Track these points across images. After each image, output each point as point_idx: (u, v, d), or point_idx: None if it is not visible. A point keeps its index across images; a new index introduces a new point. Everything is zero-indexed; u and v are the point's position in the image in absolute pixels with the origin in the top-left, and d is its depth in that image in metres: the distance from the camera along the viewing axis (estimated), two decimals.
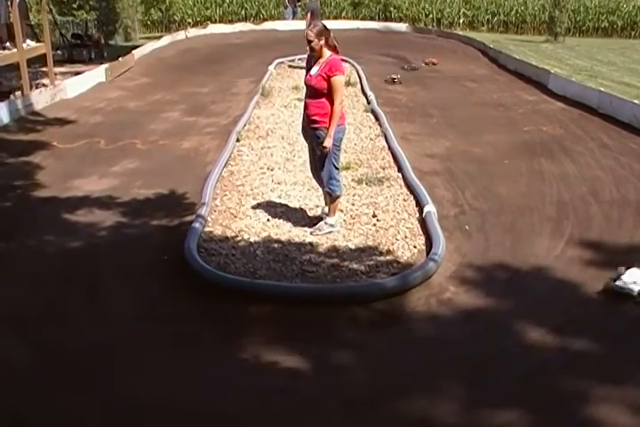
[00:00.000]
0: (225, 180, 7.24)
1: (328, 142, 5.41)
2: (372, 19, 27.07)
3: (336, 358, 4.00)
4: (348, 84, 12.03)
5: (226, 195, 6.75)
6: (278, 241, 5.58)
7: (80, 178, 7.41)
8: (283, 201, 6.53)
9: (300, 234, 5.73)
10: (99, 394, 3.63)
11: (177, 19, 26.56)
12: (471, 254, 5.39)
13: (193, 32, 22.66)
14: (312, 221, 5.95)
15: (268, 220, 6.06)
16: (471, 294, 4.75)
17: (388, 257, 5.28)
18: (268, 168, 7.63)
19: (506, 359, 4.00)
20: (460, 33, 23.21)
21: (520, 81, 14.13)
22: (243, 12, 27.51)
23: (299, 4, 24.63)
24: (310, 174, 6.15)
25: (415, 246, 5.49)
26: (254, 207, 6.36)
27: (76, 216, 6.26)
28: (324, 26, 5.44)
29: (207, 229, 5.83)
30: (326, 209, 5.90)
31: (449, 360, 3.97)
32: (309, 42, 5.33)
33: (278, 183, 7.08)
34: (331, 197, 5.74)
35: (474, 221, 6.12)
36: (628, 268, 4.79)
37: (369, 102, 11.25)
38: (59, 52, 16.52)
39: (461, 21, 27.31)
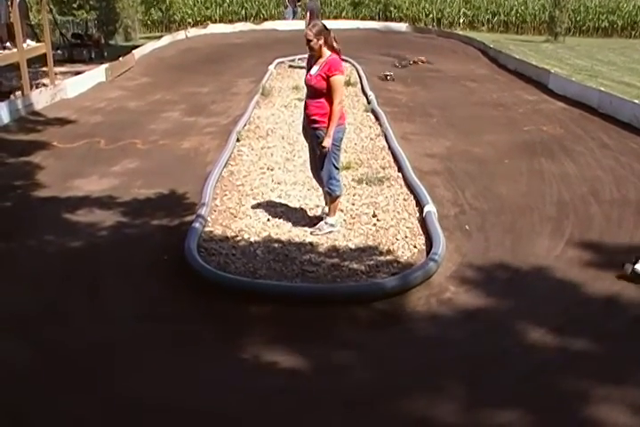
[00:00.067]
0: (225, 180, 7.24)
1: (327, 142, 5.41)
2: (372, 18, 27.09)
3: (336, 357, 4.00)
4: (348, 83, 12.04)
5: (226, 195, 6.75)
6: (278, 241, 5.58)
7: (80, 178, 7.42)
8: (283, 201, 6.53)
9: (301, 234, 5.73)
10: (99, 394, 3.63)
11: (177, 18, 26.56)
12: (471, 254, 5.39)
13: (193, 32, 22.67)
14: (312, 221, 5.95)
15: (269, 220, 6.06)
16: (471, 293, 4.75)
17: (389, 257, 5.28)
18: (268, 168, 7.63)
19: (506, 359, 4.00)
20: (460, 33, 23.21)
21: (520, 81, 14.14)
22: (243, 11, 27.52)
23: (299, 3, 24.62)
24: (310, 174, 6.15)
25: (415, 246, 5.49)
26: (254, 207, 6.36)
27: (77, 216, 6.26)
28: (324, 25, 5.43)
29: (207, 228, 5.83)
30: (326, 209, 5.90)
31: (449, 360, 3.97)
32: (308, 41, 5.33)
33: (278, 183, 7.08)
34: (331, 197, 5.74)
35: (474, 220, 6.12)
36: None
37: (369, 102, 11.25)
38: (59, 51, 16.53)
39: (461, 21, 27.32)
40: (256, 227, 5.89)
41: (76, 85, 12.55)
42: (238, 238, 5.65)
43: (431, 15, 27.42)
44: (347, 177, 7.08)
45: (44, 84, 12.83)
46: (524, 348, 4.09)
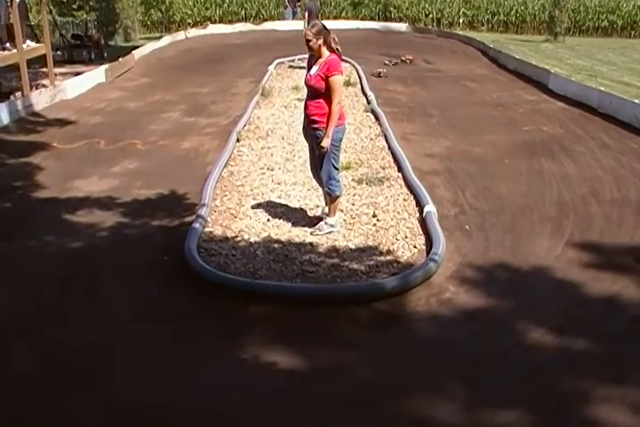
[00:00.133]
0: (225, 180, 7.24)
1: (326, 142, 5.41)
2: (371, 19, 27.11)
3: (336, 358, 4.00)
4: (348, 84, 12.06)
5: (226, 195, 6.75)
6: (278, 241, 5.58)
7: (80, 178, 7.42)
8: (283, 201, 6.53)
9: (301, 234, 5.73)
10: (99, 394, 3.63)
11: (177, 19, 26.58)
12: (471, 254, 5.39)
13: (193, 32, 22.69)
14: (312, 222, 5.94)
15: (268, 220, 6.06)
16: (471, 293, 4.75)
17: (389, 257, 5.28)
18: (268, 168, 7.63)
19: (506, 359, 4.00)
20: (460, 33, 23.23)
21: (520, 81, 14.15)
22: (242, 12, 27.55)
23: (298, 4, 24.64)
24: (310, 174, 6.15)
25: (415, 246, 5.49)
26: (254, 207, 6.36)
27: (77, 217, 6.26)
28: (324, 25, 5.43)
29: (207, 229, 5.83)
30: (326, 209, 5.90)
31: (449, 360, 3.97)
32: (307, 41, 5.33)
33: (278, 183, 7.08)
34: (330, 197, 5.74)
35: (474, 220, 6.12)
36: None
37: (369, 102, 11.26)
38: (59, 52, 16.55)
39: (461, 21, 27.33)
40: (256, 227, 5.89)
41: (76, 86, 12.55)
42: (238, 239, 5.65)
43: (431, 15, 27.44)
44: (347, 177, 7.08)
45: (44, 85, 12.83)
46: (524, 348, 4.09)
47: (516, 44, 20.96)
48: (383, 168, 7.60)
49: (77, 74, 13.82)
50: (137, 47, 17.92)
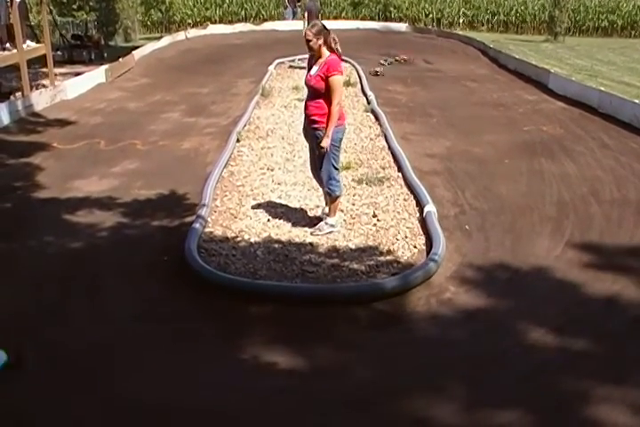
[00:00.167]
0: (225, 180, 7.24)
1: (326, 142, 5.41)
2: (371, 19, 27.11)
3: (336, 358, 4.00)
4: (348, 84, 12.06)
5: (226, 195, 6.75)
6: (278, 241, 5.58)
7: (80, 179, 7.42)
8: (283, 201, 6.53)
9: (301, 234, 5.73)
10: (99, 394, 3.63)
11: (177, 19, 26.58)
12: (471, 254, 5.39)
13: (193, 33, 22.68)
14: (312, 222, 5.95)
15: (269, 220, 6.06)
16: (471, 294, 4.75)
17: (389, 257, 5.28)
18: (268, 168, 7.63)
19: (506, 359, 4.00)
20: (460, 33, 23.23)
21: (520, 81, 14.15)
22: (242, 12, 27.55)
23: (299, 4, 24.65)
24: (311, 174, 6.15)
25: (415, 246, 5.49)
26: (254, 208, 6.36)
27: (77, 217, 6.26)
28: (324, 26, 5.43)
29: (207, 229, 5.83)
30: (326, 209, 5.90)
31: (449, 360, 3.97)
32: (308, 41, 5.32)
33: (278, 184, 7.08)
34: (331, 198, 5.74)
35: (474, 220, 6.12)
36: None
37: (369, 102, 11.26)
38: (59, 52, 16.55)
39: (461, 21, 27.33)
40: (256, 227, 5.89)
41: (76, 86, 12.56)
42: (238, 239, 5.65)
43: (431, 15, 27.44)
44: (347, 177, 7.08)
45: (44, 86, 12.84)
46: (524, 348, 4.09)
47: (516, 44, 20.96)
48: (383, 168, 7.60)
49: (77, 74, 13.83)
50: (137, 47, 17.92)
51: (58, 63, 14.96)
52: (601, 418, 3.40)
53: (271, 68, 15.12)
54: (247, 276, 4.95)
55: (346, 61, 13.69)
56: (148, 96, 12.63)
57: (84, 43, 17.91)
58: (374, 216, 6.11)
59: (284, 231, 5.81)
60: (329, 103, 5.35)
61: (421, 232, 5.75)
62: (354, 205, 6.41)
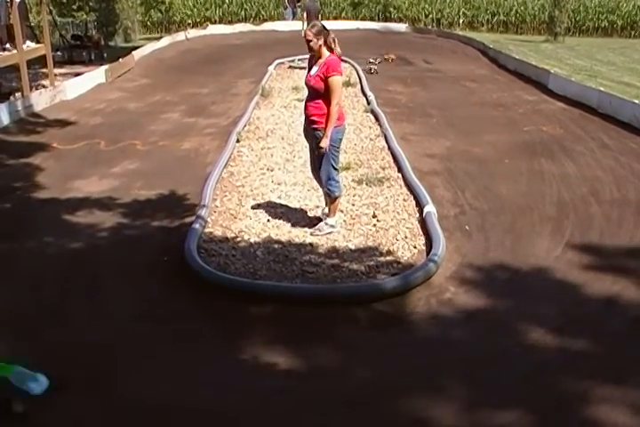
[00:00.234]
0: (225, 180, 7.24)
1: (324, 143, 5.41)
2: (371, 19, 27.11)
3: (336, 358, 4.01)
4: (347, 84, 12.07)
5: (226, 195, 6.76)
6: (278, 242, 5.58)
7: (80, 179, 7.42)
8: (283, 202, 6.53)
9: (301, 235, 5.73)
10: (99, 394, 3.63)
11: (177, 20, 26.58)
12: (471, 255, 5.39)
13: (193, 33, 22.69)
14: (312, 222, 5.95)
15: (269, 220, 6.06)
16: (471, 294, 4.75)
17: (389, 257, 5.28)
18: (267, 169, 7.63)
19: (506, 359, 4.00)
20: (460, 33, 23.23)
21: (520, 81, 14.15)
22: (242, 12, 27.55)
23: (298, 4, 24.64)
24: (311, 175, 6.16)
25: (415, 247, 5.49)
26: (254, 208, 6.37)
27: (77, 217, 6.26)
28: (323, 26, 5.43)
29: (207, 229, 5.83)
30: (326, 210, 5.90)
31: (449, 360, 3.97)
32: (308, 41, 5.32)
33: (278, 184, 7.08)
34: (330, 198, 5.74)
35: (474, 221, 6.12)
36: None
37: (369, 103, 11.26)
38: (58, 53, 16.55)
39: (461, 21, 27.34)
40: (256, 228, 5.89)
41: (76, 87, 12.56)
42: (238, 239, 5.65)
43: (431, 15, 27.45)
44: (346, 177, 7.08)
45: (44, 86, 12.84)
46: (524, 348, 4.09)
47: (515, 45, 20.96)
48: (383, 168, 7.60)
49: (77, 74, 13.83)
50: (137, 48, 17.92)
51: (58, 63, 14.98)
52: (601, 418, 3.40)
53: (271, 68, 15.12)
54: (247, 276, 4.95)
55: (345, 62, 13.71)
56: (147, 96, 12.63)
57: (83, 43, 17.92)
58: (374, 217, 6.11)
59: (283, 232, 5.81)
60: (328, 104, 5.35)
61: (421, 232, 5.75)
62: (354, 205, 6.41)
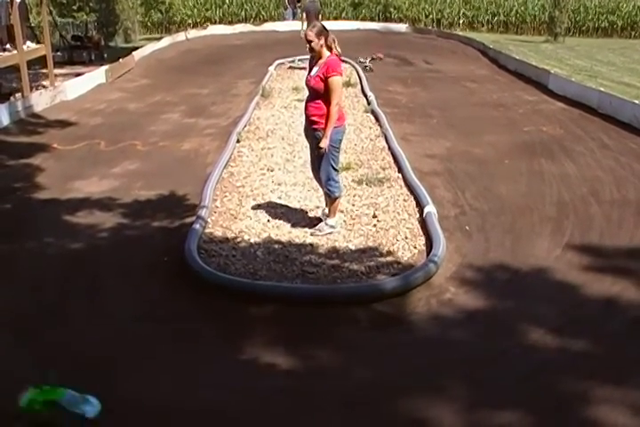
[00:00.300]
0: (225, 181, 7.24)
1: (324, 143, 5.40)
2: (372, 19, 27.08)
3: (336, 358, 4.01)
4: (348, 84, 12.07)
5: (226, 196, 6.76)
6: (278, 242, 5.59)
7: (80, 179, 7.42)
8: (283, 202, 6.53)
9: (301, 235, 5.74)
10: (98, 395, 3.62)
11: (177, 20, 26.55)
12: (471, 255, 5.39)
13: (193, 33, 22.69)
14: (312, 222, 5.95)
15: (269, 221, 6.06)
16: (471, 294, 4.76)
17: (389, 258, 5.29)
18: (268, 169, 7.63)
19: (506, 360, 4.01)
20: (460, 33, 23.23)
21: (520, 81, 14.15)
22: (243, 13, 27.53)
23: (299, 4, 24.63)
24: (311, 175, 6.16)
25: (415, 247, 5.49)
26: (254, 208, 6.37)
27: (77, 218, 6.26)
28: (323, 26, 5.43)
29: (207, 230, 5.83)
30: (326, 210, 5.90)
31: (449, 361, 3.97)
32: (309, 42, 5.31)
33: (278, 184, 7.09)
34: (330, 198, 5.74)
35: (474, 221, 6.12)
36: None
37: (369, 103, 11.26)
38: (59, 53, 16.56)
39: (461, 22, 27.32)
40: (256, 228, 5.89)
41: (76, 87, 12.56)
42: (238, 240, 5.65)
43: (431, 16, 27.42)
44: (347, 178, 7.09)
45: (44, 86, 12.85)
46: (524, 348, 4.09)
47: (515, 45, 20.96)
48: (383, 169, 7.60)
49: (77, 75, 13.83)
50: (137, 48, 17.92)
51: (58, 64, 14.97)
52: (601, 419, 3.40)
53: (271, 68, 15.12)
54: (247, 276, 4.95)
55: (346, 62, 13.71)
56: (148, 97, 12.64)
57: (84, 44, 17.93)
58: (374, 217, 6.11)
59: (283, 232, 5.81)
60: (328, 104, 5.35)
61: (421, 233, 5.75)
62: (354, 205, 6.41)
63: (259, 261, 5.22)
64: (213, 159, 8.00)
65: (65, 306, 4.66)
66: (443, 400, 3.57)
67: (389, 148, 8.43)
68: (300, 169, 7.45)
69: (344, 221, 6.00)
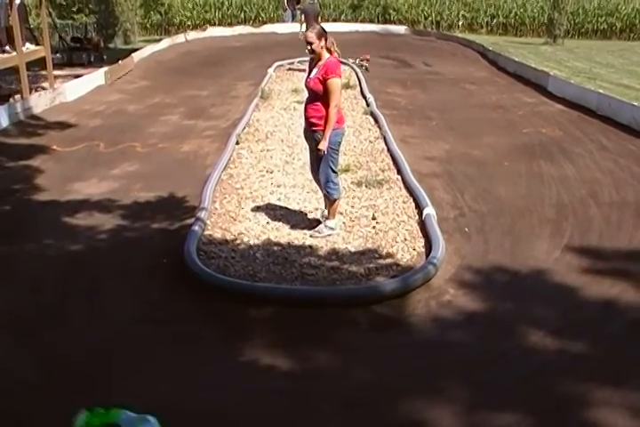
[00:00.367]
0: (224, 183, 7.24)
1: (323, 145, 5.41)
2: (371, 21, 27.11)
3: (336, 360, 4.01)
4: (347, 86, 12.08)
5: (225, 198, 6.76)
6: (278, 244, 5.59)
7: (80, 181, 7.42)
8: (282, 204, 6.53)
9: (300, 237, 5.74)
10: (98, 396, 3.62)
11: (176, 22, 26.59)
12: (471, 257, 5.39)
13: (192, 35, 22.71)
14: (311, 224, 5.95)
15: (268, 222, 6.06)
16: (470, 296, 4.75)
17: (388, 260, 5.29)
18: (267, 171, 7.63)
19: (505, 361, 4.01)
20: (460, 35, 23.25)
21: (519, 83, 14.17)
22: (242, 14, 27.56)
23: (298, 6, 24.64)
24: (310, 176, 6.16)
25: (415, 249, 5.49)
26: (254, 210, 6.37)
27: (76, 219, 6.26)
28: (322, 28, 5.43)
29: (207, 232, 5.83)
30: (326, 212, 5.90)
31: (448, 362, 3.97)
32: (310, 43, 5.31)
33: (278, 186, 7.09)
34: (329, 200, 5.75)
35: (473, 223, 6.12)
36: None
37: (368, 105, 11.27)
38: (58, 55, 16.57)
39: (460, 24, 27.34)
40: (255, 230, 5.90)
41: (76, 89, 12.56)
42: (238, 241, 5.65)
43: (430, 18, 27.45)
44: (346, 180, 7.09)
45: (44, 88, 12.85)
46: (524, 350, 4.09)
47: (515, 47, 20.98)
48: (382, 171, 7.61)
49: (77, 76, 13.83)
50: (136, 50, 17.93)
51: (57, 66, 14.98)
52: (600, 420, 3.41)
53: (270, 70, 15.13)
54: (246, 278, 4.95)
55: (345, 64, 13.73)
56: (147, 98, 12.64)
57: (83, 45, 17.92)
58: (373, 219, 6.11)
59: (283, 234, 5.81)
60: (327, 106, 5.35)
61: (421, 235, 5.75)
62: (353, 207, 6.41)
63: (258, 263, 5.22)
64: (213, 161, 8.00)
65: (64, 307, 4.66)
66: (442, 402, 3.57)
67: (388, 150, 8.44)
68: (300, 171, 7.45)
69: (343, 223, 6.00)
